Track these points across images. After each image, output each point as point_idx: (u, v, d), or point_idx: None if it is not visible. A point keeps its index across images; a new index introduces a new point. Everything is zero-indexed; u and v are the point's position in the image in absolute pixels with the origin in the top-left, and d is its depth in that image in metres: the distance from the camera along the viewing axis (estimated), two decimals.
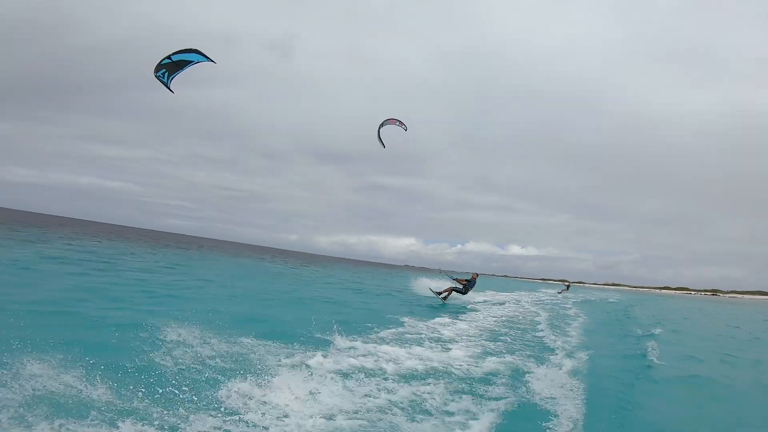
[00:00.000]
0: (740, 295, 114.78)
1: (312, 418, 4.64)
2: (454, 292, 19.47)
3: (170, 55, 8.05)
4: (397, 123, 13.65)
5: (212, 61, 8.24)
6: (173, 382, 4.99)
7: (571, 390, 6.50)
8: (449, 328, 11.62)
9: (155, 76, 8.00)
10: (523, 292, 37.31)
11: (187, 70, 8.31)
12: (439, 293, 19.51)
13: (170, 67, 8.15)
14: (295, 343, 7.58)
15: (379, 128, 13.69)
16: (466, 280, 19.86)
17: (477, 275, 20.44)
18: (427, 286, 20.74)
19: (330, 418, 4.71)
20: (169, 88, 8.15)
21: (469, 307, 18.45)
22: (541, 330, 13.21)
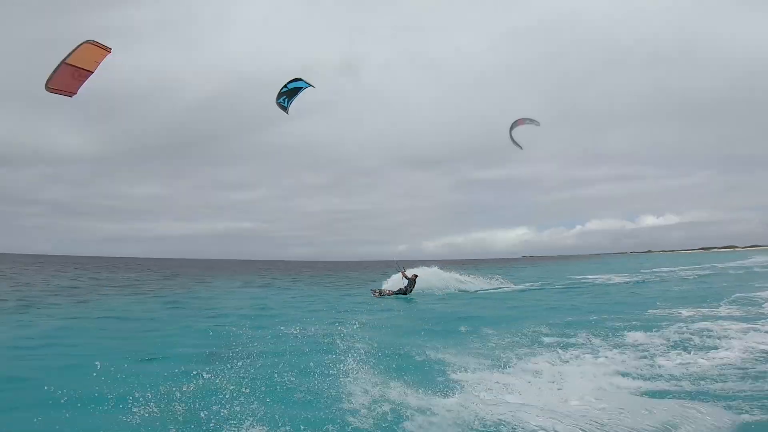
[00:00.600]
0: None
1: None
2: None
3: (286, 84, 9.96)
4: (528, 121, 13.23)
5: (312, 85, 10.03)
6: None
7: None
8: None
9: (277, 103, 10.23)
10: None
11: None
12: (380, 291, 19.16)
13: (288, 94, 10.14)
14: None
15: (510, 131, 13.43)
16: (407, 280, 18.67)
17: (416, 276, 19.05)
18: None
19: None
20: (286, 111, 10.18)
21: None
22: None
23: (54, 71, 6.57)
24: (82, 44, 6.66)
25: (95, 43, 6.70)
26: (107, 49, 6.67)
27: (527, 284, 26.08)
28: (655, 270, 36.39)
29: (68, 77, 6.70)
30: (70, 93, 6.92)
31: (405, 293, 18.69)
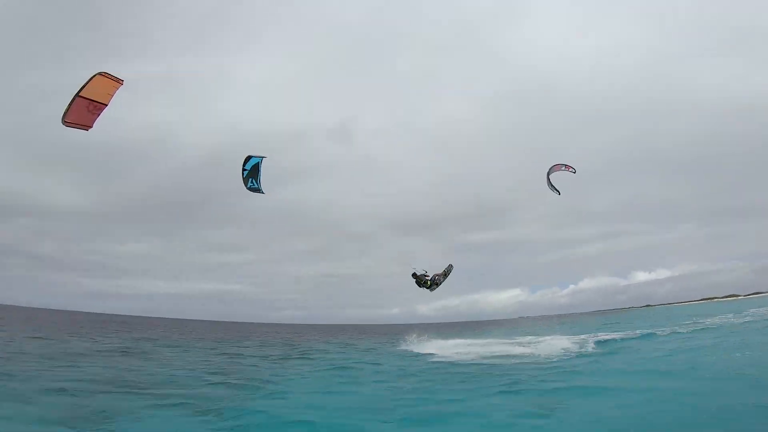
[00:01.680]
0: None
1: None
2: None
3: (243, 169, 10.35)
4: (563, 167, 13.07)
5: (264, 156, 10.50)
6: None
7: None
8: None
9: (247, 188, 10.49)
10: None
11: (264, 175, 10.54)
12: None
13: (252, 175, 10.47)
14: None
15: (548, 175, 13.27)
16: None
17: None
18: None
19: None
20: (261, 191, 10.49)
21: None
22: None
23: (69, 105, 6.56)
24: (94, 76, 6.64)
25: (107, 75, 6.66)
26: (119, 81, 6.68)
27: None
28: (698, 320, 33.44)
29: (83, 111, 6.70)
30: (87, 127, 6.90)
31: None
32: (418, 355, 22.76)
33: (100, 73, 6.61)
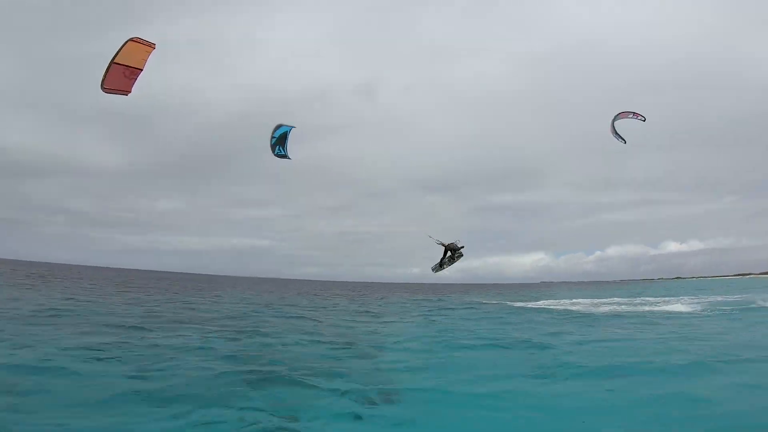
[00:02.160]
0: None
1: None
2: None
3: (272, 135, 10.62)
4: (632, 115, 12.06)
5: (293, 126, 10.78)
6: None
7: None
8: None
9: (274, 154, 10.84)
10: None
11: (292, 134, 10.89)
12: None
13: (280, 142, 10.77)
14: None
15: (613, 122, 12.34)
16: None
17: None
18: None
19: None
20: (288, 157, 10.88)
21: None
22: None
23: (105, 72, 6.64)
24: (126, 42, 6.66)
25: (139, 40, 6.68)
26: (152, 45, 6.69)
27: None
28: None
29: (120, 77, 6.79)
30: (126, 92, 7.00)
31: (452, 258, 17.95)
32: (584, 313, 23.05)
33: (132, 39, 6.63)
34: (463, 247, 17.49)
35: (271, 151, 10.92)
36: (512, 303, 32.41)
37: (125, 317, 15.22)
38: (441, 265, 17.88)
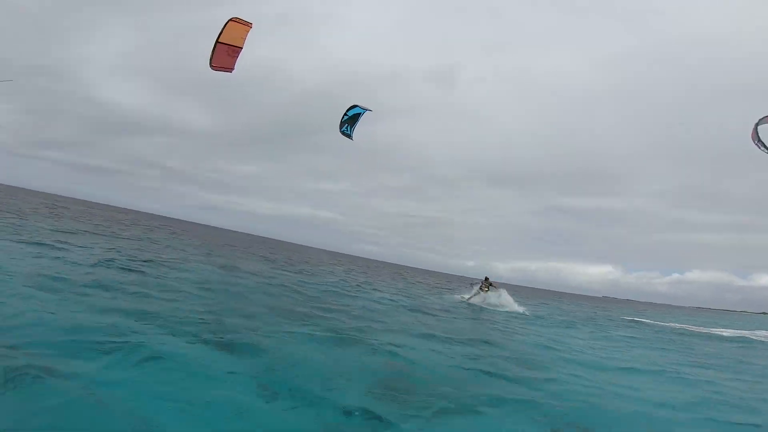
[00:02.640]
0: None
1: None
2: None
3: (345, 113, 10.60)
4: None
5: (370, 110, 10.58)
6: None
7: None
8: None
9: (341, 131, 10.85)
10: None
11: (364, 116, 10.76)
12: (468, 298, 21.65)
13: (350, 122, 10.74)
14: None
15: (756, 127, 10.12)
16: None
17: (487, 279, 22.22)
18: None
19: None
20: (351, 137, 10.79)
21: None
22: None
23: (212, 51, 7.37)
24: (227, 22, 7.51)
25: (238, 20, 7.51)
26: (249, 24, 7.51)
27: None
28: None
29: (224, 55, 7.46)
30: (230, 69, 7.68)
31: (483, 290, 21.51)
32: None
33: (232, 19, 7.44)
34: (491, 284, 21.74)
35: (339, 127, 11.03)
36: (681, 326, 27.18)
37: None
38: (474, 295, 21.34)
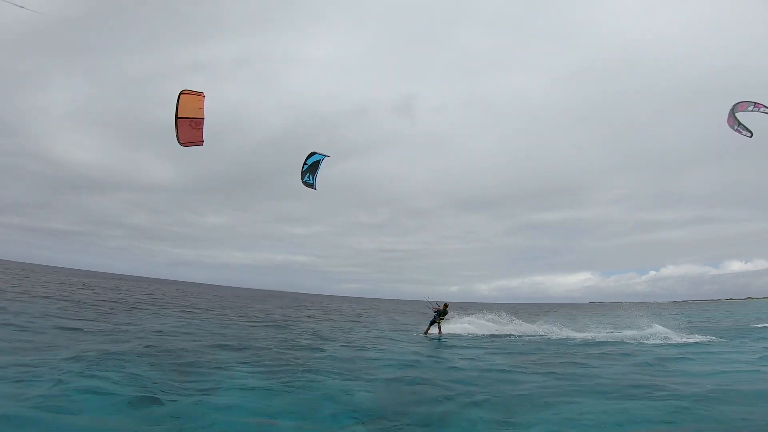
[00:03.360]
0: None
1: None
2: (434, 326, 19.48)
3: (304, 163, 10.69)
4: (752, 107, 10.08)
5: (327, 155, 10.75)
6: None
7: None
8: None
9: (303, 182, 10.89)
10: None
11: (329, 149, 10.73)
12: (425, 331, 19.59)
13: (310, 170, 10.85)
14: None
15: (733, 114, 10.42)
16: (437, 310, 19.63)
17: (447, 305, 20.02)
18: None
19: None
20: (314, 188, 10.84)
21: None
22: None
23: (176, 128, 7.47)
24: (179, 96, 7.67)
25: (189, 92, 7.73)
26: (201, 94, 7.67)
27: None
28: None
29: (189, 129, 7.55)
30: (199, 142, 7.75)
31: (437, 321, 19.84)
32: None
33: (183, 92, 7.58)
34: (447, 305, 19.97)
35: (300, 177, 10.99)
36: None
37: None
38: (431, 325, 19.62)
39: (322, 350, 12.18)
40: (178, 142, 7.48)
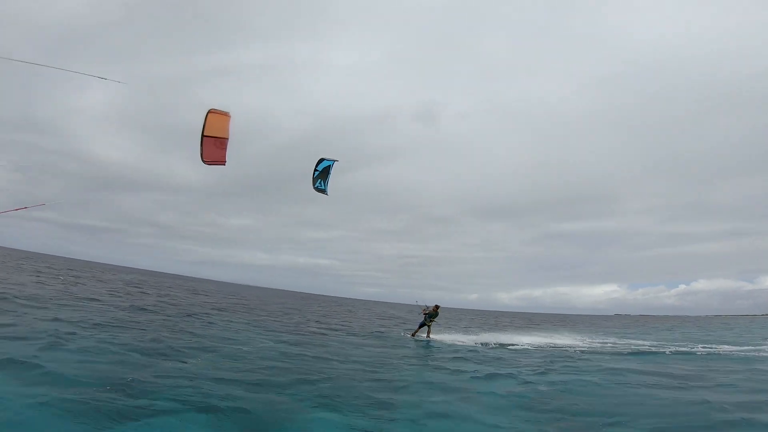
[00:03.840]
0: None
1: None
2: (423, 328, 19.41)
3: (315, 169, 10.73)
4: None
5: (336, 160, 10.79)
6: None
7: None
8: None
9: (314, 188, 10.88)
10: None
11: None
12: (413, 333, 19.63)
13: (321, 176, 10.86)
14: None
15: None
16: (427, 312, 19.48)
17: (438, 306, 19.69)
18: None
19: None
20: (326, 193, 10.77)
21: None
22: None
23: (201, 146, 7.66)
24: (207, 115, 7.87)
25: (216, 111, 8.03)
26: (227, 114, 7.92)
27: None
28: None
29: (213, 148, 7.73)
30: (222, 162, 7.90)
31: (426, 323, 19.65)
32: None
33: (210, 111, 7.77)
34: (438, 307, 19.60)
35: (312, 184, 10.87)
36: None
37: None
38: (420, 328, 19.53)
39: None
40: (202, 159, 7.65)
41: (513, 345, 18.56)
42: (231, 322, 18.15)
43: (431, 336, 19.35)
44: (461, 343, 18.32)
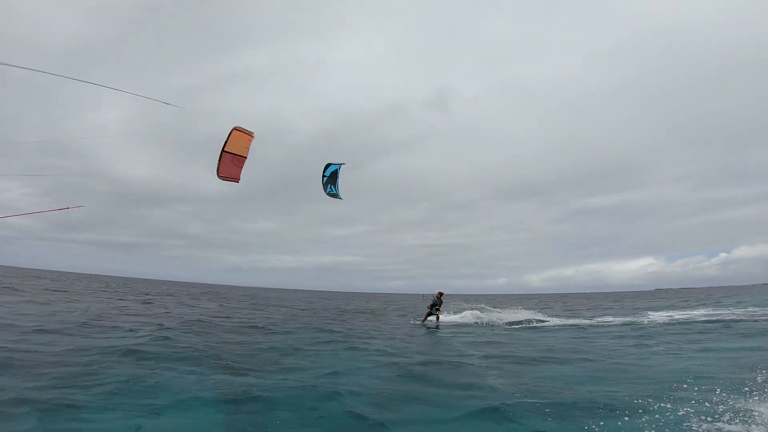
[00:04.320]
0: None
1: None
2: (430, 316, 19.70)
3: (323, 175, 10.83)
4: None
5: (343, 163, 10.89)
6: None
7: None
8: None
9: (327, 194, 10.92)
10: None
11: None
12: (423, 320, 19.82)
13: (331, 181, 10.90)
14: None
15: None
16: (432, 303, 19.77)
17: (442, 293, 20.06)
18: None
19: None
20: (339, 197, 10.83)
21: None
22: None
23: (219, 160, 7.73)
24: (231, 131, 7.93)
25: (241, 130, 7.98)
26: (251, 134, 7.89)
27: None
28: None
29: (230, 165, 7.78)
30: (236, 179, 7.97)
31: (433, 312, 20.02)
32: None
33: (235, 128, 7.83)
34: (442, 294, 20.04)
35: (323, 190, 11.00)
36: None
37: None
38: (428, 315, 19.83)
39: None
40: (217, 174, 7.71)
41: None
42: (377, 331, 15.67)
43: (440, 320, 19.96)
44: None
